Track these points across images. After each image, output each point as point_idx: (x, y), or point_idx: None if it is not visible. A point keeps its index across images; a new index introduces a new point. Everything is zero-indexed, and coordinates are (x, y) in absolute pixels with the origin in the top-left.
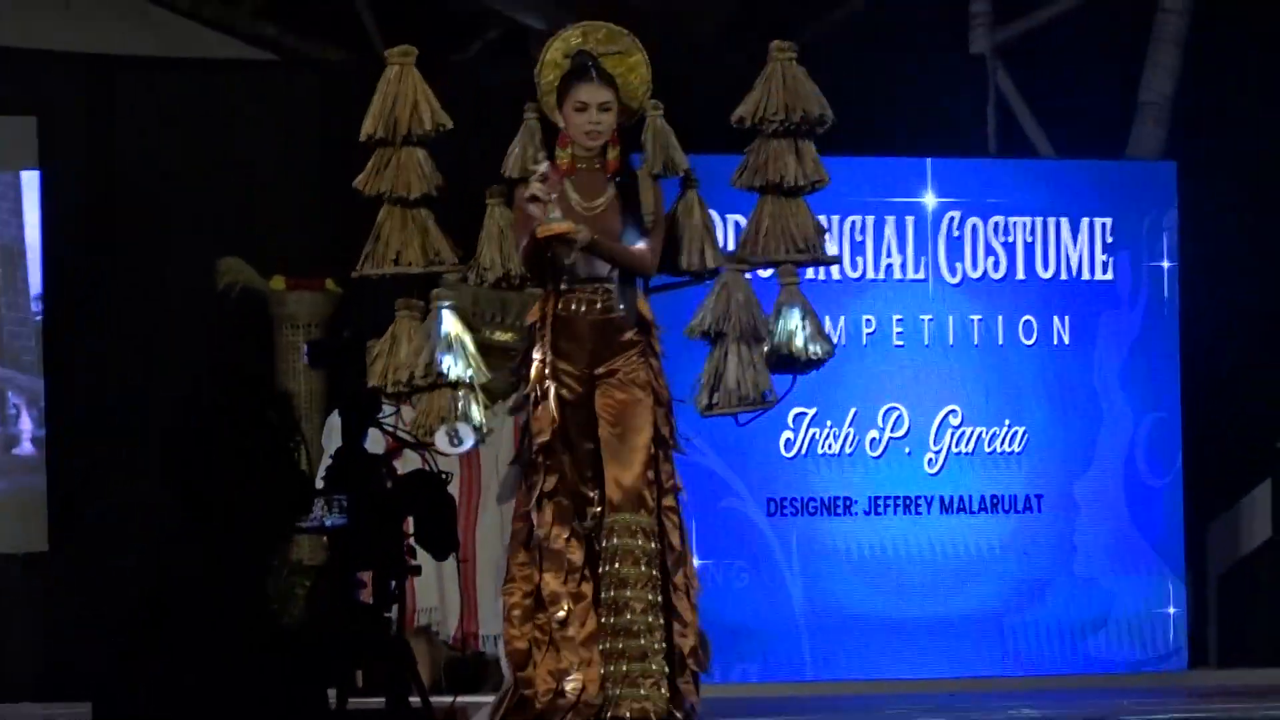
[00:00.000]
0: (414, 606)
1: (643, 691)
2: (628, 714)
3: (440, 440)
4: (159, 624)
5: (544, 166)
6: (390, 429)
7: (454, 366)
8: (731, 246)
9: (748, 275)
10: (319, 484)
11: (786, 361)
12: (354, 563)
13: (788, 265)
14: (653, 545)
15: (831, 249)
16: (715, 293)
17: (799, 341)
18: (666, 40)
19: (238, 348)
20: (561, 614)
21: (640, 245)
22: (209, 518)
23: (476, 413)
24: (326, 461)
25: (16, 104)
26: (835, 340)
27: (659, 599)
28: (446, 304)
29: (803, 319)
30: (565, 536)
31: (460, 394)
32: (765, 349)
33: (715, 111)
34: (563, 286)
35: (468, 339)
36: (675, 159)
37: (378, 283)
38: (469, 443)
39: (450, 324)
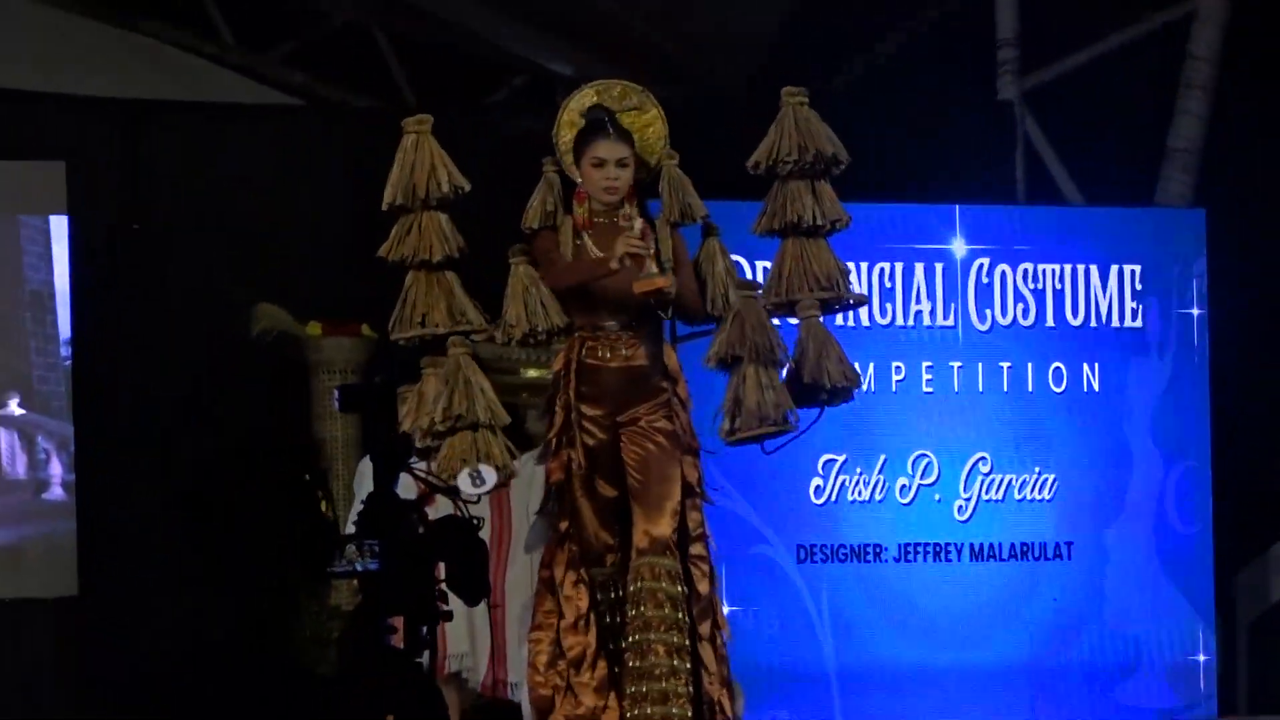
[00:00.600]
0: (445, 652)
1: None
2: None
3: (463, 481)
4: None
5: (639, 224)
6: (421, 474)
7: (471, 409)
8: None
9: (762, 303)
10: (351, 529)
11: (810, 391)
12: (386, 608)
13: (809, 300)
14: (679, 589)
15: (858, 289)
16: (729, 320)
17: (823, 371)
18: (694, 88)
19: (273, 394)
20: (574, 656)
21: (688, 294)
22: (233, 570)
23: (497, 452)
24: (358, 507)
25: (46, 149)
26: (866, 389)
27: (685, 642)
28: (462, 350)
29: (824, 348)
30: (573, 581)
31: (480, 435)
32: (785, 372)
33: (743, 158)
34: (588, 334)
35: (485, 383)
36: (692, 206)
37: (413, 344)
38: (490, 483)
39: (467, 369)
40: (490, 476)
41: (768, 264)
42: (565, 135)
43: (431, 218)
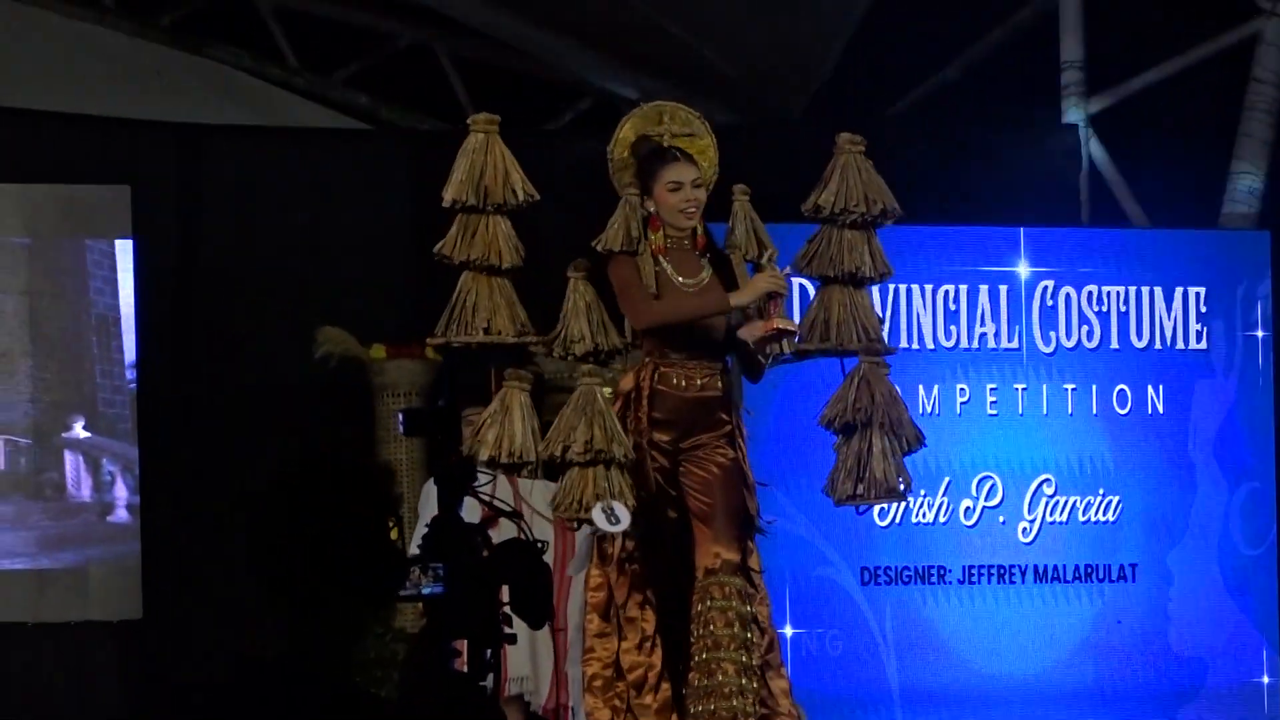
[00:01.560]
0: (507, 675)
1: None
2: None
3: (598, 517)
4: (251, 693)
5: (786, 269)
6: (486, 497)
7: (610, 445)
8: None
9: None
10: (415, 552)
11: None
12: (450, 631)
13: (873, 355)
14: (748, 608)
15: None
16: (854, 383)
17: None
18: (758, 113)
19: (336, 418)
20: (635, 679)
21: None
22: (297, 593)
23: (629, 491)
24: (422, 530)
25: (112, 173)
26: (931, 411)
27: (753, 662)
28: (596, 382)
29: (901, 405)
30: (639, 602)
31: (613, 473)
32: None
33: (802, 183)
34: (659, 359)
35: (616, 421)
36: (764, 242)
37: (472, 352)
38: (625, 521)
39: (602, 402)
40: (625, 515)
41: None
42: (622, 152)
43: (497, 222)
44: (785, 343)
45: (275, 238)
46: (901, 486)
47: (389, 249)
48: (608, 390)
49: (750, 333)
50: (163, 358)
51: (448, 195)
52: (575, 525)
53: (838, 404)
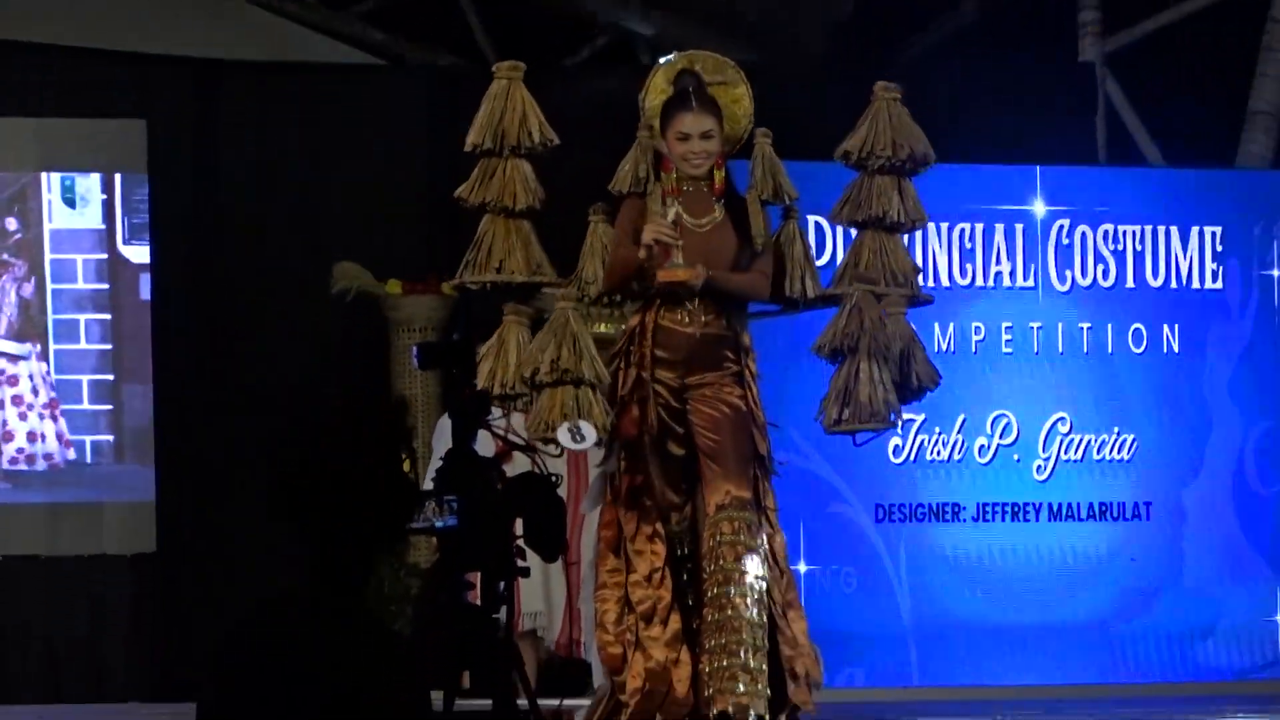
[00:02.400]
0: (520, 610)
1: (741, 688)
2: (729, 709)
3: (563, 436)
4: (264, 627)
5: (674, 212)
6: (500, 431)
7: (578, 365)
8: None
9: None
10: (429, 486)
11: (899, 388)
12: (463, 564)
13: (894, 297)
14: (758, 542)
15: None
16: (846, 311)
17: (909, 371)
18: (774, 53)
19: (352, 352)
20: (644, 610)
21: (753, 272)
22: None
23: (599, 412)
24: (436, 463)
25: (127, 107)
26: (946, 349)
27: (763, 596)
28: (570, 305)
29: (911, 349)
30: (648, 535)
31: (583, 392)
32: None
33: (820, 122)
34: (667, 297)
35: (590, 342)
36: (784, 186)
37: (487, 291)
38: (590, 440)
39: (575, 324)
40: (590, 434)
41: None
42: (654, 100)
43: (516, 165)
44: (687, 293)
45: (291, 173)
46: (890, 414)
47: (406, 185)
48: (606, 326)
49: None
50: (178, 295)
51: (469, 140)
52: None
53: (829, 330)
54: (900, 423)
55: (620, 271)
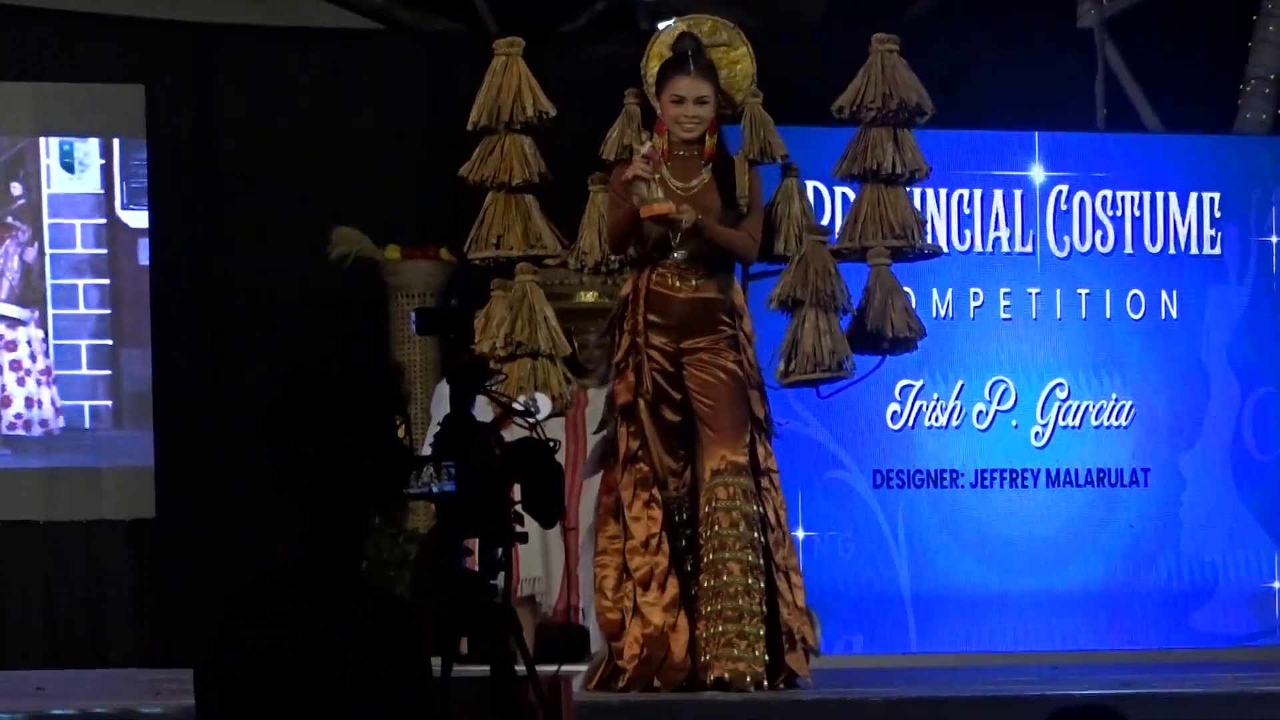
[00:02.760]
0: (519, 576)
1: (737, 653)
2: (726, 675)
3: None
4: (262, 592)
5: (647, 146)
6: (498, 396)
7: (533, 337)
8: (837, 219)
9: (837, 246)
10: (427, 451)
11: (873, 339)
12: (461, 530)
13: (880, 248)
14: (753, 508)
15: (931, 241)
16: (794, 263)
17: (886, 320)
18: (774, 16)
19: (350, 317)
20: (641, 576)
21: (742, 232)
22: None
23: (555, 382)
24: (434, 429)
25: (125, 72)
26: (944, 315)
27: (759, 561)
28: (529, 278)
29: (890, 297)
30: (644, 502)
31: (539, 364)
32: (851, 321)
33: (820, 87)
34: (660, 262)
35: (549, 312)
36: (772, 144)
37: (491, 262)
38: (545, 411)
39: (532, 296)
40: (545, 406)
41: (849, 191)
42: (653, 66)
43: (514, 140)
44: (672, 230)
45: (290, 138)
46: (839, 362)
47: (404, 149)
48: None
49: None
50: (176, 260)
51: (470, 119)
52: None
53: (778, 284)
54: (852, 371)
55: (617, 231)
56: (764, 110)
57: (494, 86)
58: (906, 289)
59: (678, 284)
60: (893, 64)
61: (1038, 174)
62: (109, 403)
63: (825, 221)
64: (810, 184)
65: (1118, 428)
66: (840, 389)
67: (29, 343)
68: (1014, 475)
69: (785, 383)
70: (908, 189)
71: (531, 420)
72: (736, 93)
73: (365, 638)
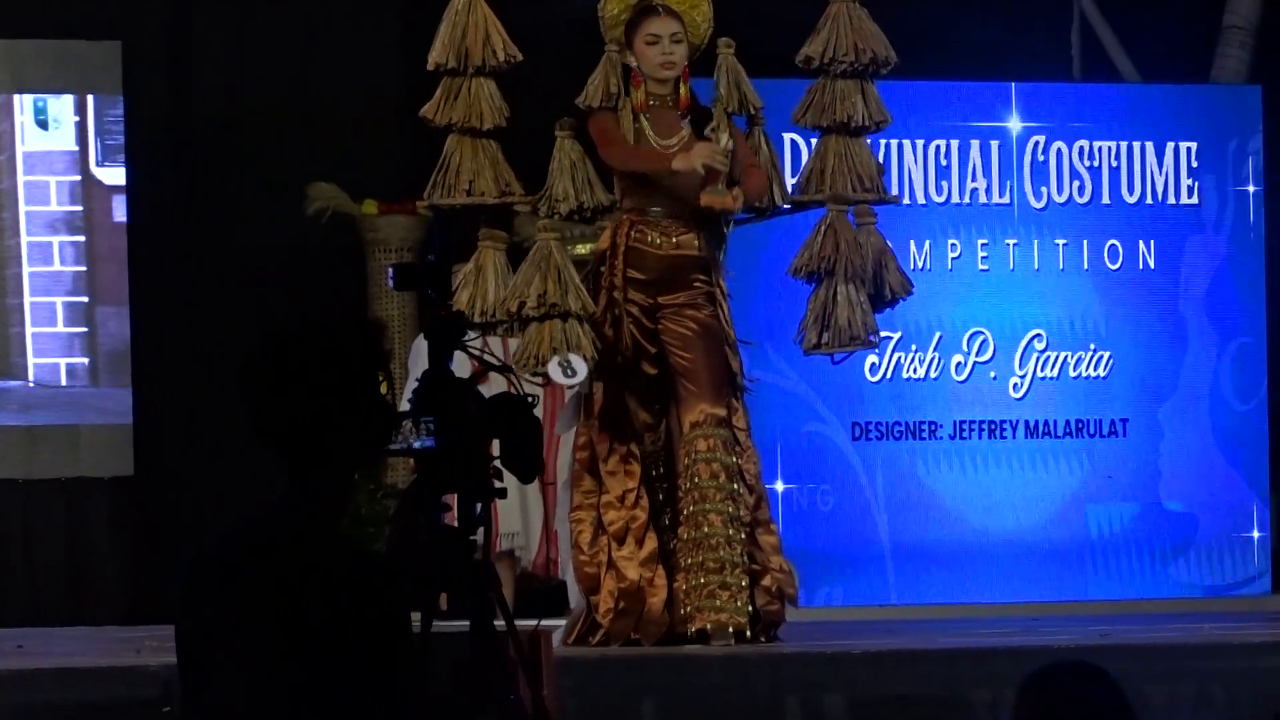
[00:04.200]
0: (498, 530)
1: (719, 603)
2: (708, 626)
3: (554, 371)
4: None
5: (726, 139)
6: (476, 351)
7: (564, 299)
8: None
9: (802, 196)
10: (406, 407)
11: (872, 301)
12: (440, 485)
13: (865, 205)
14: (733, 459)
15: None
16: (820, 232)
17: (881, 282)
18: None
19: (328, 273)
20: (616, 530)
21: (749, 172)
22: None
23: (588, 344)
24: (413, 384)
25: (102, 28)
26: (922, 267)
27: (740, 512)
28: (553, 236)
29: (882, 258)
30: (622, 455)
31: (570, 325)
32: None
33: (782, 37)
34: (637, 216)
35: (575, 273)
36: (749, 96)
37: (458, 212)
38: (582, 374)
39: (559, 255)
40: (581, 367)
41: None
42: (612, 9)
43: (481, 84)
44: (724, 216)
45: (267, 94)
46: (869, 335)
47: (381, 104)
48: (586, 247)
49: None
50: (154, 218)
51: (431, 59)
52: (540, 379)
53: (805, 253)
54: (878, 341)
55: (647, 165)
56: (736, 60)
57: (458, 27)
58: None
59: (658, 239)
60: (858, 14)
61: (1014, 125)
62: (85, 360)
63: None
64: (787, 136)
65: (1096, 378)
66: (847, 356)
67: None
68: (993, 427)
69: (814, 352)
70: (877, 138)
71: (511, 376)
72: (696, 36)
73: (345, 593)
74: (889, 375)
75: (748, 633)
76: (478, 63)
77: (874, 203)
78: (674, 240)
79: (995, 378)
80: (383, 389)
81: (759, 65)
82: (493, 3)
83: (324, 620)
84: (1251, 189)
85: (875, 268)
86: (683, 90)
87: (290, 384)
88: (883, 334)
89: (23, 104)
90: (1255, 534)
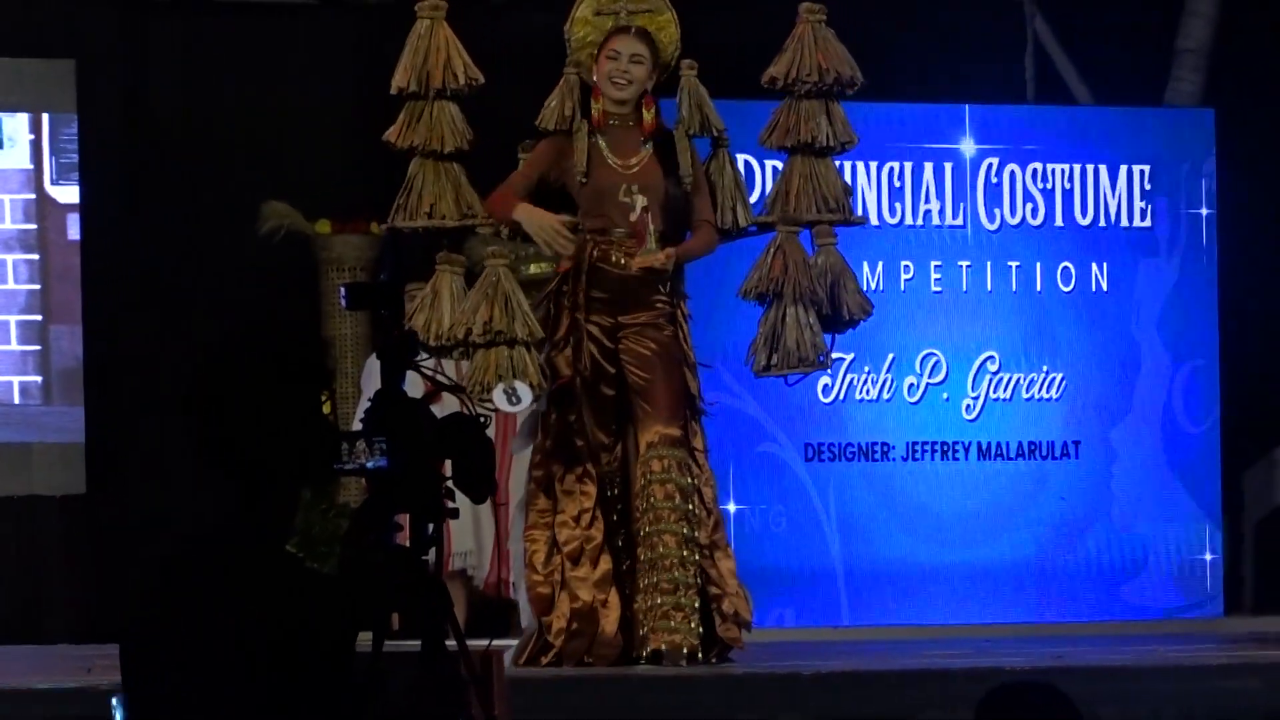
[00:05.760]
0: (450, 550)
1: (673, 624)
2: (661, 647)
3: (499, 398)
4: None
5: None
6: (428, 371)
7: (511, 326)
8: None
9: (769, 217)
10: (358, 426)
11: (830, 322)
12: (392, 505)
13: (825, 225)
14: (688, 480)
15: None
16: (770, 254)
17: (840, 302)
18: None
19: (281, 292)
20: (570, 551)
21: (701, 229)
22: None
23: (533, 371)
24: (365, 404)
25: (56, 47)
26: (875, 288)
27: (694, 533)
28: (502, 263)
29: (841, 278)
30: (578, 476)
31: (516, 353)
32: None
33: (747, 58)
34: (600, 237)
35: (523, 299)
36: (711, 119)
37: (419, 234)
38: (526, 401)
39: (507, 282)
40: (526, 395)
41: (779, 164)
42: (579, 31)
43: (443, 107)
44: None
45: (221, 113)
46: (819, 357)
47: (335, 124)
48: (540, 266)
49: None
50: (107, 236)
51: (394, 83)
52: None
53: (754, 275)
54: (830, 363)
55: (499, 212)
56: (699, 82)
57: (420, 51)
58: None
59: (621, 259)
60: (824, 35)
61: (968, 147)
62: (39, 378)
63: (755, 196)
64: (740, 157)
65: (1048, 400)
66: (802, 378)
67: None
68: (945, 448)
69: (764, 374)
70: (836, 160)
71: (463, 396)
72: (663, 58)
73: (291, 614)
74: (841, 396)
75: (699, 654)
76: (438, 86)
77: (838, 224)
78: (636, 260)
79: (948, 399)
80: (326, 408)
81: (733, 86)
82: (457, 23)
83: (270, 640)
84: (1204, 212)
85: (834, 289)
86: (645, 115)
87: (231, 401)
88: (835, 355)
89: None
90: (1208, 556)
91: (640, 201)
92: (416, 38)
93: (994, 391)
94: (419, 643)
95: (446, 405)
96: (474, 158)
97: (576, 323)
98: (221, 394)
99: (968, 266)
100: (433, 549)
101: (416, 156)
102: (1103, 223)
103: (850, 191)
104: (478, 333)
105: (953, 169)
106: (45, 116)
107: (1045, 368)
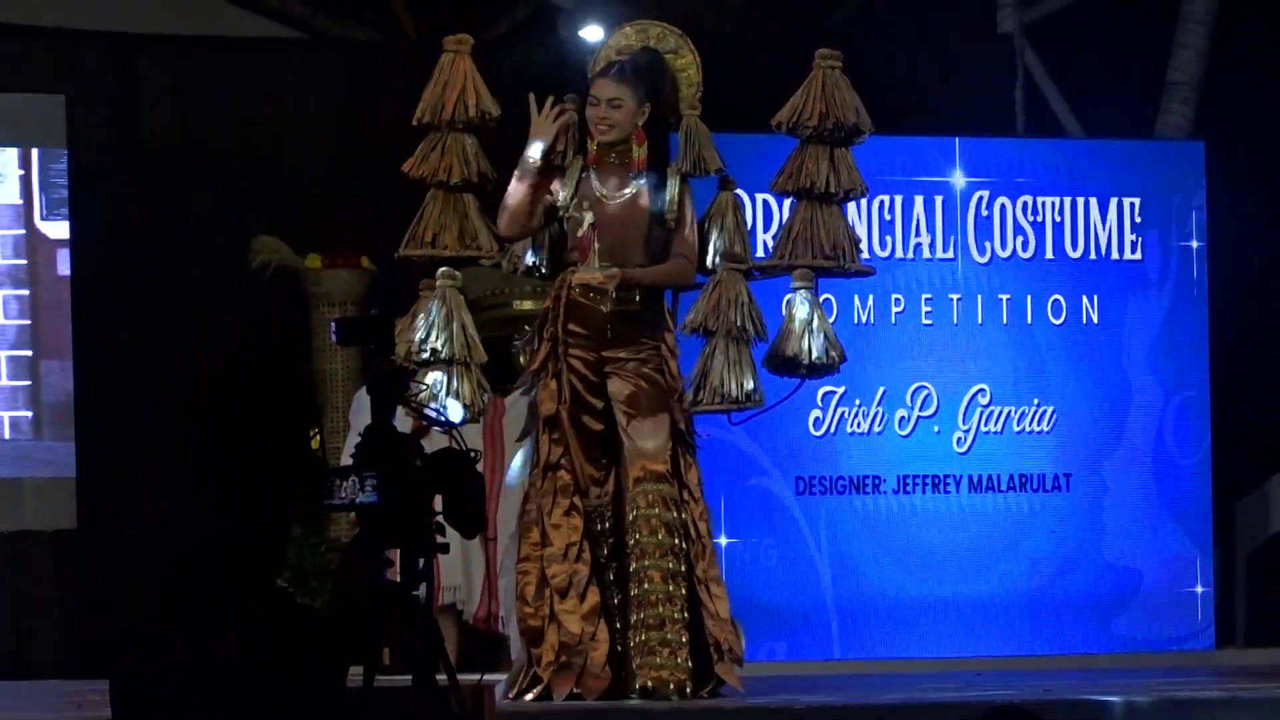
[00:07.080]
0: (440, 584)
1: (660, 660)
2: (649, 683)
3: (430, 415)
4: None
5: (589, 219)
6: (418, 407)
7: (447, 346)
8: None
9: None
10: (348, 462)
11: (789, 364)
12: (383, 541)
13: (804, 269)
14: (674, 514)
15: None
16: (708, 290)
17: (803, 345)
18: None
19: (272, 327)
20: (559, 584)
21: (673, 259)
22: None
23: (468, 390)
24: (355, 439)
25: (46, 82)
26: (865, 321)
27: (681, 568)
28: (448, 283)
29: (810, 323)
30: (564, 510)
31: (454, 371)
32: (771, 343)
33: (742, 90)
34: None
35: (467, 318)
36: (705, 159)
37: (412, 262)
38: (457, 418)
39: (450, 302)
40: (456, 413)
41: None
42: (597, 68)
43: (457, 139)
44: (601, 298)
45: (211, 148)
46: (744, 396)
47: (326, 159)
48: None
49: None
50: (98, 271)
51: (415, 115)
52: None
53: (692, 310)
54: (761, 402)
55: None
56: (701, 123)
57: (439, 83)
58: (828, 296)
59: (599, 296)
60: (834, 81)
61: (958, 180)
62: (29, 413)
63: (770, 234)
64: (760, 196)
65: (1040, 433)
66: (750, 416)
67: None
68: (936, 481)
69: (695, 410)
70: (843, 207)
71: (453, 431)
72: (682, 101)
73: (279, 648)
74: (832, 430)
75: (688, 690)
76: (449, 117)
77: (835, 272)
78: (615, 296)
79: (939, 432)
80: (314, 443)
81: (720, 120)
82: (502, 58)
83: (261, 675)
84: (1195, 244)
85: (801, 332)
86: (635, 152)
87: (218, 438)
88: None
89: None
90: (1199, 589)
91: (588, 219)
92: (439, 71)
93: (985, 424)
94: (410, 677)
95: (436, 440)
96: (485, 192)
97: (556, 355)
98: (210, 429)
99: (958, 299)
100: (423, 584)
101: (430, 188)
102: (1093, 255)
103: (856, 240)
104: (412, 351)
105: (943, 202)
106: (35, 151)
107: (1036, 400)
